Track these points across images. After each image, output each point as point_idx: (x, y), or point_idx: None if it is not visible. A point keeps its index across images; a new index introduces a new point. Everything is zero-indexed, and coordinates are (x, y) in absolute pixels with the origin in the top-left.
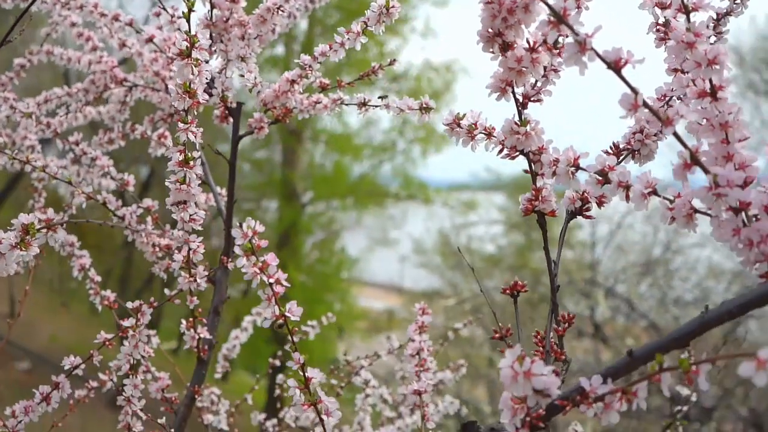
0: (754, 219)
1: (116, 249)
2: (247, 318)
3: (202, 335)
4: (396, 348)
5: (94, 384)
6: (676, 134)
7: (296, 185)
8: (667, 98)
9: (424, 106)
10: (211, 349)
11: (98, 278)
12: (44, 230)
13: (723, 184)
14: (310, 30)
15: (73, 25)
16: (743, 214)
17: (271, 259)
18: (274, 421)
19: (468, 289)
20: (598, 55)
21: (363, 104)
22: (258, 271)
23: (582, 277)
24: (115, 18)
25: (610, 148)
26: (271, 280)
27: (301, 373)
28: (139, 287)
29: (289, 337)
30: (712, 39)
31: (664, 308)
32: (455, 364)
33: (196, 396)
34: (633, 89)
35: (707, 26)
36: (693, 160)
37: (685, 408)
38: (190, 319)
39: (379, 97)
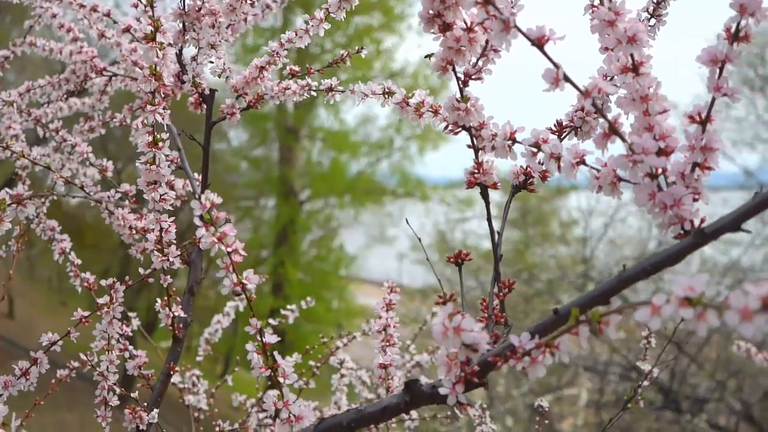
0: (673, 185)
1: (114, 248)
2: (230, 303)
3: (176, 314)
4: (371, 329)
5: (75, 364)
6: (595, 105)
7: (294, 183)
8: (608, 77)
9: (387, 91)
10: (186, 327)
11: (78, 261)
12: (14, 205)
13: (639, 151)
14: None
15: (54, 16)
16: (660, 179)
17: (229, 229)
18: (253, 400)
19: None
20: (522, 33)
21: (330, 89)
22: (216, 241)
23: (575, 272)
24: (93, 9)
25: (554, 125)
26: (229, 249)
27: (259, 339)
28: (137, 286)
29: (248, 304)
30: (652, 21)
31: None
32: (433, 347)
33: (171, 372)
34: (555, 64)
35: (646, 9)
36: (611, 130)
37: (645, 383)
38: (165, 298)
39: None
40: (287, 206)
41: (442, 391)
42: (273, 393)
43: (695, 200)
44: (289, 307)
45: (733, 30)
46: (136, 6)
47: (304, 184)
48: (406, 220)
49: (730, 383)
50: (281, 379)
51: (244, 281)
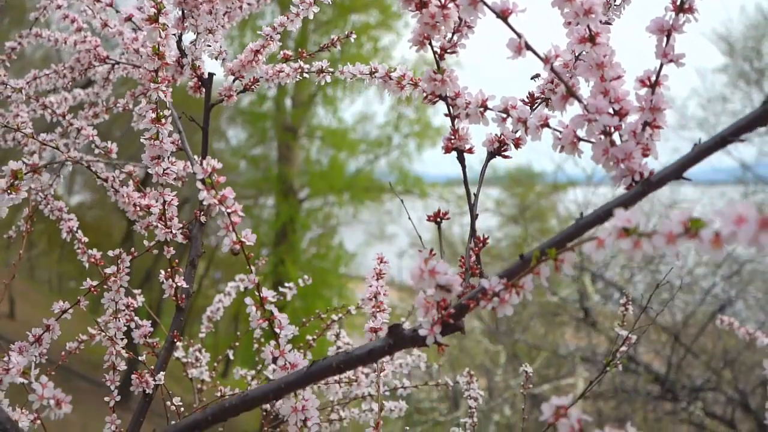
0: (626, 143)
1: (114, 247)
2: (231, 284)
3: (179, 284)
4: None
5: (84, 337)
6: (553, 70)
7: (293, 181)
8: (576, 53)
9: (373, 71)
10: (188, 298)
11: (85, 239)
12: (30, 174)
13: (593, 111)
14: (304, 26)
15: (59, 7)
16: (614, 138)
17: (229, 192)
18: (253, 372)
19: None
20: (487, 6)
21: (321, 71)
22: (217, 202)
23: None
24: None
25: (526, 96)
26: (229, 210)
27: (257, 293)
28: (137, 284)
29: (246, 262)
30: (618, 1)
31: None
32: None
33: (175, 340)
34: (518, 34)
35: None
36: (568, 92)
37: (624, 349)
38: (168, 269)
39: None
40: (286, 205)
41: (421, 332)
42: (271, 343)
43: (645, 155)
44: (287, 285)
45: (678, 2)
46: None
47: (303, 183)
48: (408, 214)
49: (726, 373)
50: (277, 330)
51: (243, 239)
